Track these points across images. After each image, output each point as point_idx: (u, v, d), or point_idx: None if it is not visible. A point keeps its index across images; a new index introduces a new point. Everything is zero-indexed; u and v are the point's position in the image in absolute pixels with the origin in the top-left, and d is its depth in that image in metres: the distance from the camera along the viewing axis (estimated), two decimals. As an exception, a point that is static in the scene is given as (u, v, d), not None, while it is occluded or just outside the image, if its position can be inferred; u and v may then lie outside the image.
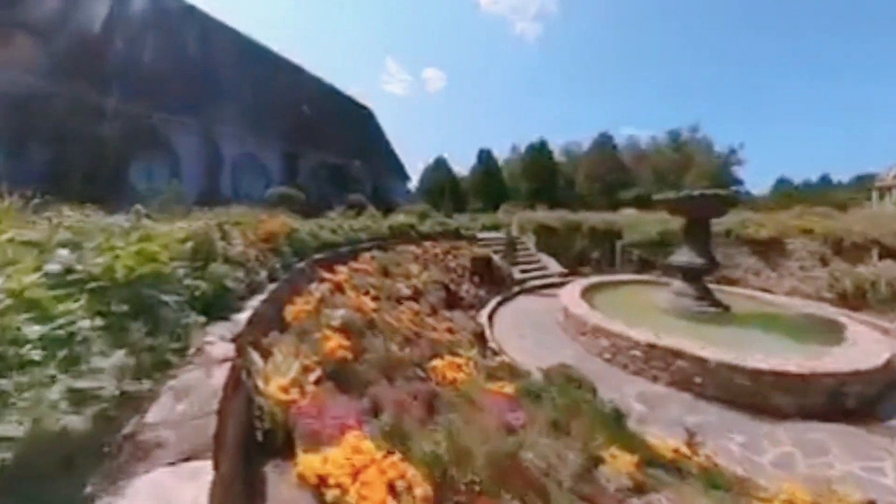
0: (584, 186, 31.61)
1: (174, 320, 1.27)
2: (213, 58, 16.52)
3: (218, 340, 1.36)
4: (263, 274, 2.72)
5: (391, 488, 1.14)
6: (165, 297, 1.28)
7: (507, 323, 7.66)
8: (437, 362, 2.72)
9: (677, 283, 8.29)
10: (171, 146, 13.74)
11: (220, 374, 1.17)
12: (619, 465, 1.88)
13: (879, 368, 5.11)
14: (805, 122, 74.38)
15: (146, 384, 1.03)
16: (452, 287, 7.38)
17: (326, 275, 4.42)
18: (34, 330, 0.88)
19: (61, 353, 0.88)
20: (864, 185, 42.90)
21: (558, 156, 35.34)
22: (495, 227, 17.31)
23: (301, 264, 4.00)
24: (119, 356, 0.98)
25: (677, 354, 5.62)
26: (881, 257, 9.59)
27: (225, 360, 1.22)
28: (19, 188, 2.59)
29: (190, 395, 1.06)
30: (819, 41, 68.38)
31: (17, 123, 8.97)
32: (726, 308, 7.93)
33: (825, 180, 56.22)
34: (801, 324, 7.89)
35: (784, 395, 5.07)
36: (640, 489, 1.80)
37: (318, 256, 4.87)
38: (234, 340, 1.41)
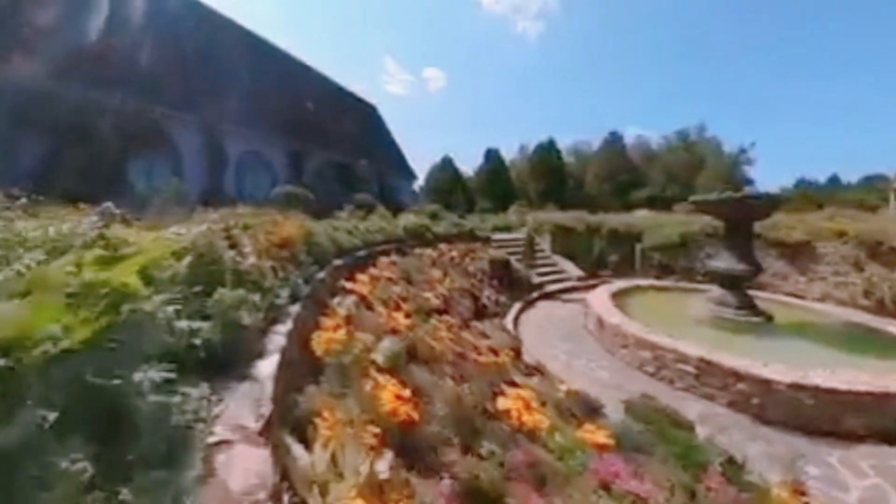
0: (593, 186, 30.91)
1: (153, 424, 0.66)
2: (215, 52, 16.00)
3: (237, 437, 0.81)
4: (285, 294, 2.16)
5: None
6: (137, 376, 0.69)
7: (535, 332, 7.09)
8: (506, 403, 2.17)
9: (715, 291, 7.72)
10: (173, 143, 13.21)
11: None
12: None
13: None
14: (807, 122, 73.53)
15: None
16: (476, 293, 6.82)
17: (348, 285, 3.87)
18: None
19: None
20: (873, 185, 42.18)
21: (566, 155, 34.67)
22: (507, 228, 16.76)
23: (321, 274, 3.44)
24: None
25: (734, 373, 5.07)
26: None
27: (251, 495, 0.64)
28: (6, 186, 2.41)
29: None
30: (820, 41, 67.60)
31: (6, 117, 8.43)
32: (769, 317, 7.36)
33: (834, 181, 55.38)
34: (849, 334, 7.34)
35: (856, 417, 4.54)
36: None
37: (337, 263, 4.32)
38: (262, 430, 0.84)
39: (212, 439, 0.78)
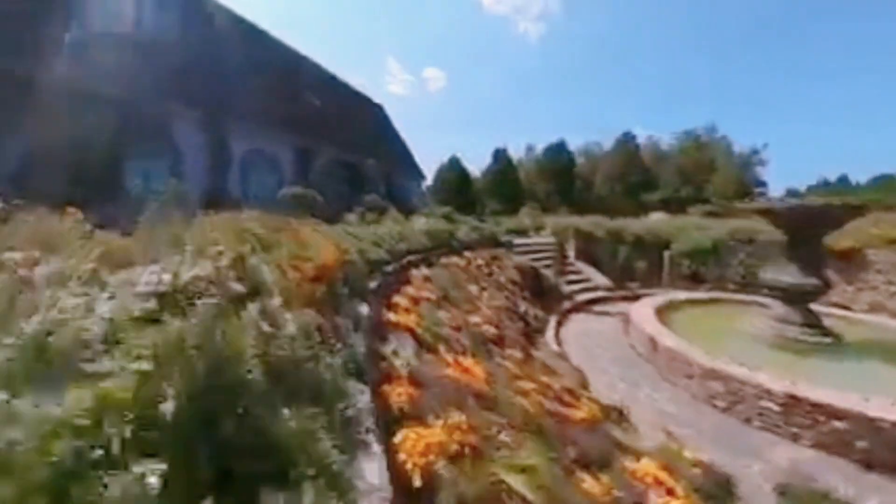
0: (604, 187, 29.98)
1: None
2: (219, 45, 15.21)
3: None
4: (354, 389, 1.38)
5: None
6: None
7: (582, 353, 6.31)
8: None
9: (775, 306, 6.95)
10: (173, 140, 12.39)
11: None
12: None
13: None
14: (811, 122, 72.43)
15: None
16: (517, 310, 6.07)
17: (391, 316, 3.12)
18: None
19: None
20: (883, 185, 41.31)
21: (576, 156, 33.68)
22: (522, 232, 16.01)
23: (364, 309, 2.67)
24: None
25: (829, 410, 4.33)
26: None
27: None
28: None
29: None
30: (821, 41, 66.70)
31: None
32: (838, 337, 6.61)
33: (844, 181, 54.49)
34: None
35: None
36: None
37: (372, 286, 3.56)
38: None
39: None
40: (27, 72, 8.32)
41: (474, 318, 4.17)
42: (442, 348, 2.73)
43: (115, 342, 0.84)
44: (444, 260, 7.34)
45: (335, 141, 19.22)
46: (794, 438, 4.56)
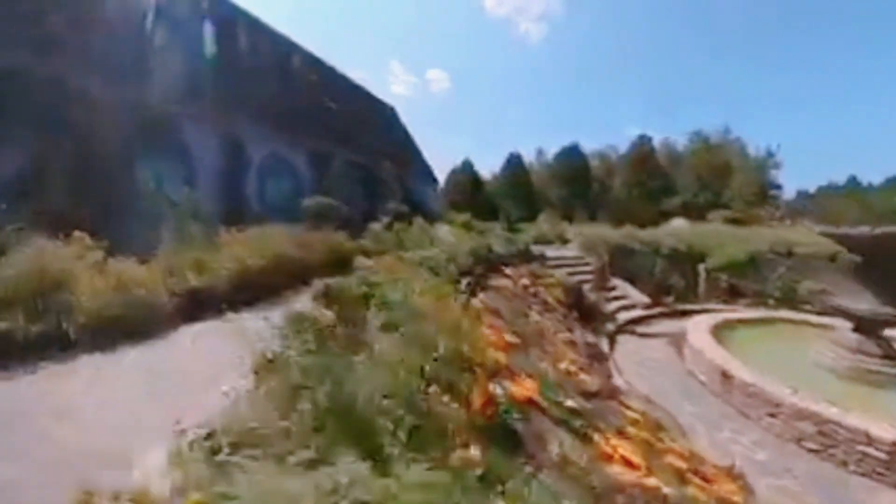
0: (621, 192, 29.39)
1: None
2: (233, 46, 14.74)
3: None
4: None
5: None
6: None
7: (642, 384, 5.89)
8: None
9: (847, 334, 6.53)
10: (187, 145, 11.74)
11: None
12: None
13: None
14: (814, 123, 71.40)
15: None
16: (588, 341, 5.67)
17: (511, 387, 2.71)
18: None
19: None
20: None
21: (590, 159, 33.06)
22: (546, 241, 15.59)
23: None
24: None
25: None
26: None
27: None
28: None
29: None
30: (822, 41, 65.80)
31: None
32: (917, 369, 6.19)
33: (854, 182, 53.52)
34: None
35: None
36: None
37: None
38: None
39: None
40: (27, 72, 7.66)
41: (563, 365, 3.76)
42: (592, 433, 2.32)
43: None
44: (492, 282, 6.95)
45: (350, 144, 18.81)
46: (897, 486, 4.18)
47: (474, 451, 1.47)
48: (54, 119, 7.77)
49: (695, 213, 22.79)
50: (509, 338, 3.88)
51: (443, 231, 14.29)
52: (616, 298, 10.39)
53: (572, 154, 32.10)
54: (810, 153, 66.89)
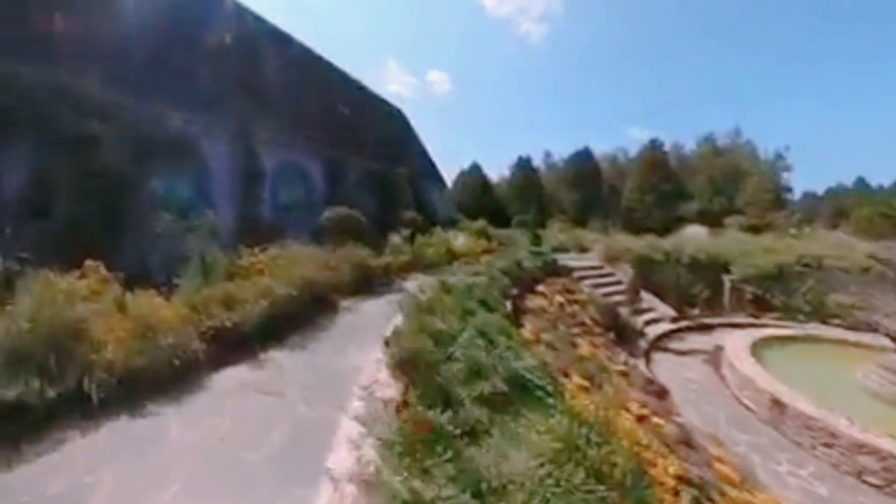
0: (634, 198, 29.09)
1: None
2: (244, 51, 14.47)
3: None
4: None
5: None
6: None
7: (688, 410, 5.76)
8: None
9: (888, 356, 6.39)
10: (200, 155, 11.32)
11: None
12: None
13: None
14: (818, 123, 70.80)
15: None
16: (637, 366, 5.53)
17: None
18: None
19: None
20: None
21: (600, 163, 32.75)
22: (564, 250, 15.42)
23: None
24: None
25: None
26: None
27: None
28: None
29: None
30: (831, 37, 65.15)
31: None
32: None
33: (862, 184, 52.95)
34: None
35: None
36: None
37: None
38: None
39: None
40: (27, 80, 7.03)
41: (634, 408, 3.63)
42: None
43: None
44: (528, 303, 6.84)
45: (363, 150, 18.65)
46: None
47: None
48: (61, 130, 7.21)
49: (710, 219, 22.57)
50: (583, 382, 3.76)
51: (460, 241, 14.14)
52: (645, 311, 10.25)
53: (583, 157, 31.84)
54: (816, 154, 66.41)
